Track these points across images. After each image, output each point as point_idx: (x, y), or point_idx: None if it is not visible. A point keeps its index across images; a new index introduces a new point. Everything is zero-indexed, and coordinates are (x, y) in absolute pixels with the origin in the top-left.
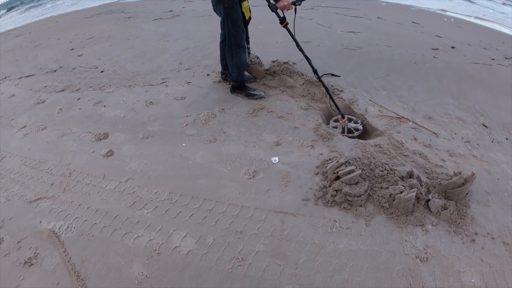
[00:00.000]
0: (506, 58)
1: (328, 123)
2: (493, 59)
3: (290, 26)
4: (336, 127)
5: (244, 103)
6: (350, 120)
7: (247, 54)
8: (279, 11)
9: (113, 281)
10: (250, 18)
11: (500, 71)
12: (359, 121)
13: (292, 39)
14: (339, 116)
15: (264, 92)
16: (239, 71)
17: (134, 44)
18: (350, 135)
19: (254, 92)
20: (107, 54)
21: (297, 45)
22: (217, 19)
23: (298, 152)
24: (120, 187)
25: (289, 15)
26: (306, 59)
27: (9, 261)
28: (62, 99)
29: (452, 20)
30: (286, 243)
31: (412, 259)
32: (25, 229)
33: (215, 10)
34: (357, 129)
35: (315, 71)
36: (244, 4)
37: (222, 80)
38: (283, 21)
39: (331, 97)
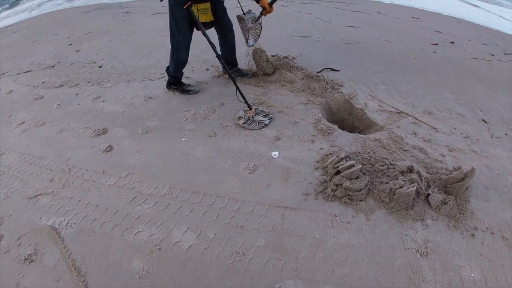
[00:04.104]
0: (505, 54)
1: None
2: (493, 55)
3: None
4: (241, 117)
5: None
6: (260, 113)
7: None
8: None
9: (114, 276)
10: (213, 22)
11: (500, 67)
12: (270, 115)
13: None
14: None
15: (198, 88)
16: (176, 67)
17: (132, 39)
18: (250, 127)
19: (189, 88)
20: (105, 49)
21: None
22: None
23: (298, 147)
24: (120, 183)
25: None
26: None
27: (9, 258)
28: (61, 94)
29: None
30: (286, 238)
31: (412, 253)
32: (25, 225)
33: None
34: (262, 122)
35: (218, 56)
36: (199, 6)
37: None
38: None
39: (237, 88)
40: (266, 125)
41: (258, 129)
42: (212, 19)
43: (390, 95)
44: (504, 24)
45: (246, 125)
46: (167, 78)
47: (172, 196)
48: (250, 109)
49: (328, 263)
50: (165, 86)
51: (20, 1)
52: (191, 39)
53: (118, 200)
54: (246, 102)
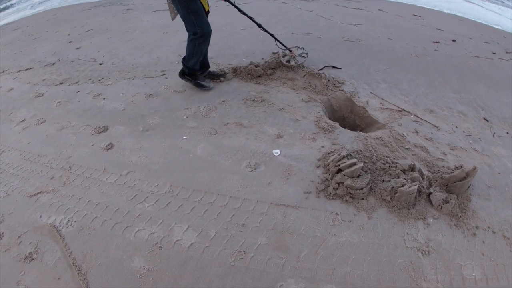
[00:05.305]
0: (507, 52)
1: (283, 63)
2: (494, 53)
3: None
4: (288, 61)
5: (245, 96)
6: (298, 50)
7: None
8: None
9: (115, 275)
10: (208, 11)
11: (501, 65)
12: (301, 46)
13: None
14: (287, 52)
15: (213, 85)
16: (197, 60)
17: (133, 36)
18: (302, 62)
19: (204, 83)
20: (105, 46)
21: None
22: (217, 11)
23: (299, 145)
24: (121, 180)
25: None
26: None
27: (10, 256)
28: (61, 92)
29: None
30: (288, 236)
31: (414, 252)
32: (26, 223)
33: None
34: (305, 54)
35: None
36: None
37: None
38: None
39: (276, 39)
40: (307, 54)
41: (306, 58)
42: (209, 7)
43: (392, 93)
44: (506, 22)
45: (302, 64)
46: (168, 75)
47: (173, 194)
48: (290, 50)
49: (330, 261)
50: (178, 75)
51: (11, 6)
52: None
53: (119, 198)
54: (286, 48)
